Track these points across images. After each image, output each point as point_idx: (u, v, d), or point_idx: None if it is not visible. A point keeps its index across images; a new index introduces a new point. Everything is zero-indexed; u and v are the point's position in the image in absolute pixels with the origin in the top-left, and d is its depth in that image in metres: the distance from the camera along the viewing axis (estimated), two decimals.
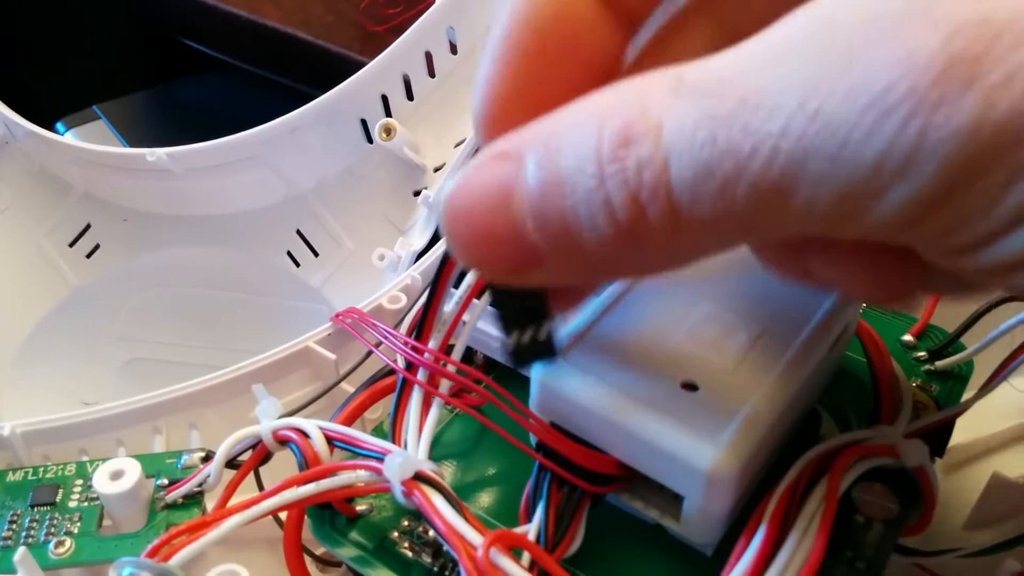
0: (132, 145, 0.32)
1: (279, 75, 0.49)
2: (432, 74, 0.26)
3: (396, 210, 0.26)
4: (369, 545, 0.17)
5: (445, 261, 0.17)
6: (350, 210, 0.27)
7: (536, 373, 0.16)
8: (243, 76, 0.52)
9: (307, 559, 0.17)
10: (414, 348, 0.18)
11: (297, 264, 0.28)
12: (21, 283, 0.30)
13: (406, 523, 0.17)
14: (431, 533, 0.16)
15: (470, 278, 0.18)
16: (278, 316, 0.28)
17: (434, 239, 0.24)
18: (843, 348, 0.18)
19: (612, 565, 0.16)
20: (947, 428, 0.18)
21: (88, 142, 0.29)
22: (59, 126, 0.44)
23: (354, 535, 0.17)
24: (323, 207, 0.27)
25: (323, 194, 0.27)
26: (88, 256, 0.30)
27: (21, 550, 0.15)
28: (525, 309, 0.15)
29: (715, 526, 0.15)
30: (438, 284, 0.18)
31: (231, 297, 0.29)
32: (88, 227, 0.30)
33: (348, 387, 0.19)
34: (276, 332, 0.24)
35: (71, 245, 0.30)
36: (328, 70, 0.45)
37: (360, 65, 0.40)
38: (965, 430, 0.19)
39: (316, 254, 0.28)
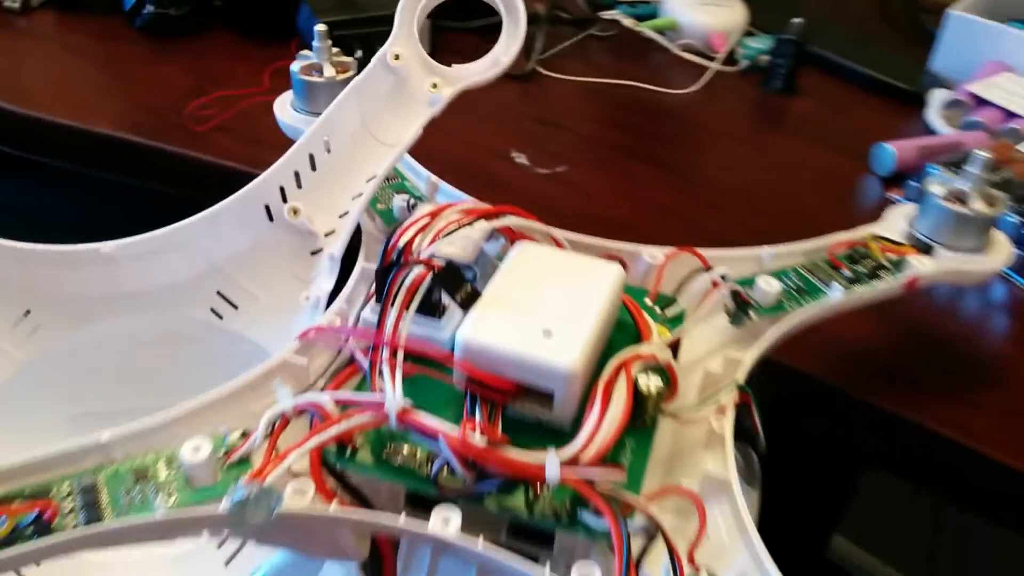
0: None
1: (111, 175, 0.56)
2: (314, 168, 0.37)
3: (298, 268, 0.37)
4: (371, 462, 0.27)
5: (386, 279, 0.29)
6: (261, 272, 0.37)
7: (460, 333, 0.28)
8: (64, 176, 0.59)
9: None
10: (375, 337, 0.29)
11: (220, 317, 0.37)
12: None
13: (390, 447, 0.28)
14: (403, 452, 0.28)
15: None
16: (210, 359, 0.37)
17: (338, 283, 0.35)
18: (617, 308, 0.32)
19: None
20: (678, 344, 0.32)
21: None
22: None
23: (360, 458, 0.28)
24: (238, 272, 0.37)
25: (237, 262, 0.37)
26: (29, 335, 0.37)
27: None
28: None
29: (572, 408, 0.28)
30: (386, 297, 0.29)
31: (166, 352, 0.38)
32: (28, 312, 0.37)
33: (322, 380, 0.30)
34: (211, 370, 0.33)
35: (15, 326, 0.37)
36: (163, 165, 0.54)
37: (193, 160, 0.51)
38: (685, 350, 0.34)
39: (236, 307, 0.37)
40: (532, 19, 0.62)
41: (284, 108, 0.44)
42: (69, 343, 0.38)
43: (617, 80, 0.66)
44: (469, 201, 0.33)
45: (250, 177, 0.38)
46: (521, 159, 0.55)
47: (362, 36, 0.55)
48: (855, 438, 0.43)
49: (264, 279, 0.37)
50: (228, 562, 0.37)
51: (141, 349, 0.38)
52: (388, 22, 0.65)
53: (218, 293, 0.38)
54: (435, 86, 0.37)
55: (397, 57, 0.37)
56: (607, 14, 0.73)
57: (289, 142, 0.41)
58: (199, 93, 0.59)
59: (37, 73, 0.62)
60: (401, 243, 0.31)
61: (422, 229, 0.32)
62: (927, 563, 0.84)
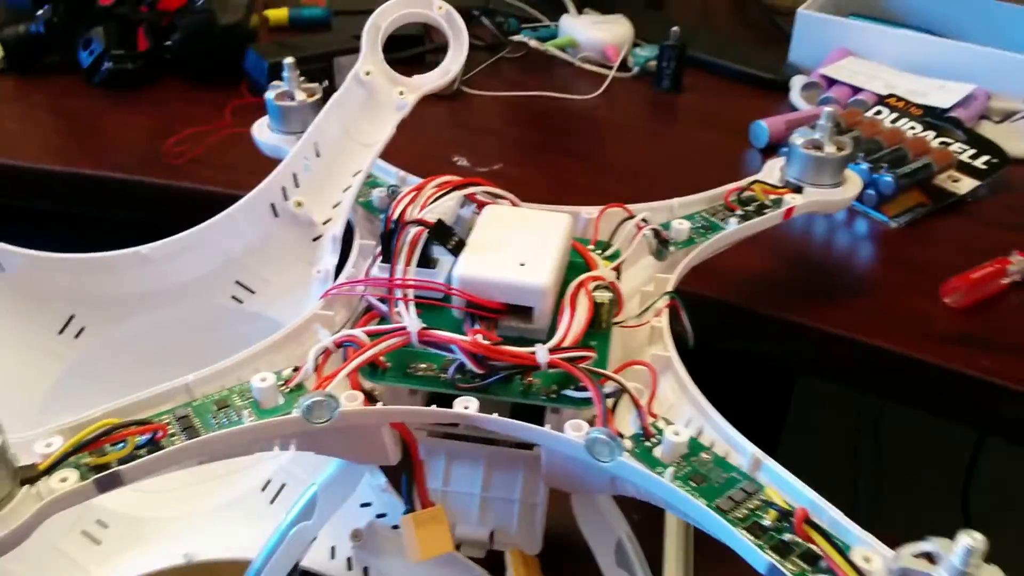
0: None
1: (101, 211, 0.62)
2: (306, 163, 0.44)
3: (302, 252, 0.44)
4: (400, 376, 0.35)
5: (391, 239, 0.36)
6: (271, 259, 0.44)
7: (456, 269, 0.35)
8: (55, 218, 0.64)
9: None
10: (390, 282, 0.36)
11: (241, 301, 0.44)
12: (27, 368, 0.42)
13: (412, 364, 0.35)
14: (422, 367, 0.35)
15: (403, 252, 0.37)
16: (236, 338, 0.43)
17: (341, 260, 0.42)
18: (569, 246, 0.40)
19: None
20: (619, 273, 0.41)
21: None
22: None
23: (390, 374, 0.35)
24: (252, 262, 0.44)
25: (251, 254, 0.44)
26: (76, 337, 0.43)
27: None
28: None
29: (547, 318, 0.36)
30: (392, 256, 0.37)
31: (197, 337, 0.44)
32: (73, 316, 0.43)
33: (347, 326, 0.37)
34: (238, 347, 0.40)
35: (60, 332, 0.43)
36: (149, 197, 0.60)
37: (177, 189, 0.57)
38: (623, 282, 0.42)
39: (253, 292, 0.44)
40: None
41: (262, 131, 0.51)
42: (112, 339, 0.44)
43: (531, 92, 0.75)
44: (444, 176, 0.41)
45: (230, 198, 0.45)
46: (462, 161, 0.63)
47: (302, 72, 0.62)
48: (766, 349, 0.52)
49: (274, 265, 0.44)
50: (273, 500, 0.43)
51: (175, 337, 0.44)
52: (321, 60, 0.73)
53: (236, 282, 0.44)
54: (401, 93, 0.45)
55: (368, 73, 0.45)
56: (516, 38, 0.82)
57: (262, 163, 0.48)
58: (168, 133, 0.65)
59: (15, 130, 0.67)
60: (397, 213, 0.39)
61: (412, 201, 0.39)
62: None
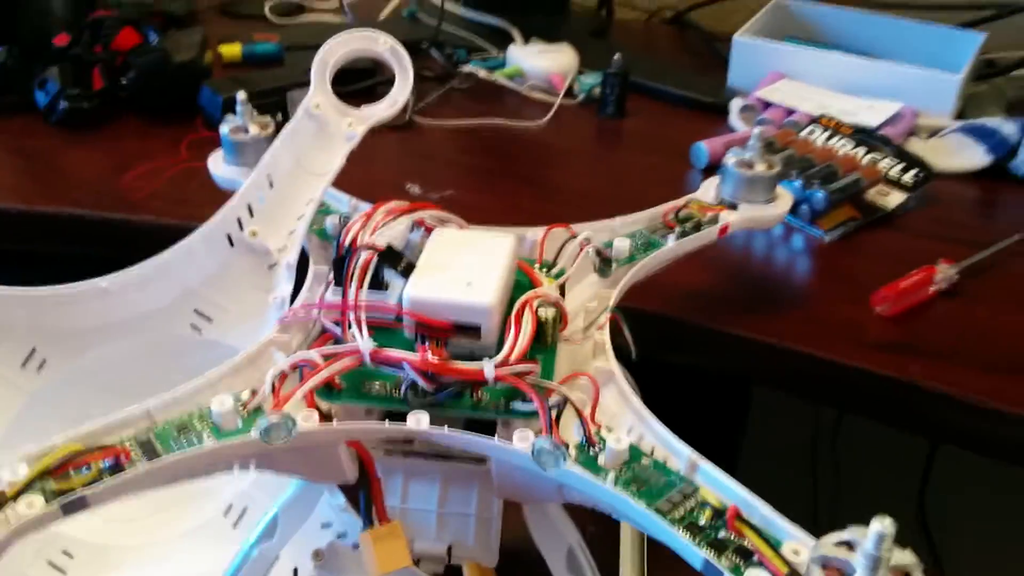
0: None
1: (60, 248, 0.63)
2: (260, 193, 0.45)
3: (258, 280, 0.45)
4: (354, 396, 0.36)
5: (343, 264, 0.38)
6: (228, 288, 0.45)
7: (407, 291, 0.37)
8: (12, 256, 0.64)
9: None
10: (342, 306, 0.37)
11: (199, 330, 0.45)
12: None
13: (365, 384, 0.36)
14: (375, 386, 0.36)
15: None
16: (195, 367, 0.43)
17: (296, 287, 0.43)
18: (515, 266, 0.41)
19: None
20: (563, 292, 0.42)
21: None
22: None
23: (344, 394, 0.36)
24: (209, 291, 0.45)
25: (208, 283, 0.45)
26: (38, 370, 0.44)
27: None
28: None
29: (493, 336, 0.37)
30: (345, 276, 0.38)
31: (157, 366, 0.44)
32: (34, 349, 0.44)
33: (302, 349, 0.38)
34: (197, 375, 0.41)
35: (22, 366, 0.44)
36: (107, 232, 0.61)
37: (134, 223, 0.58)
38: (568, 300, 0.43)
39: (211, 320, 0.45)
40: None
41: (217, 164, 0.52)
42: (73, 371, 0.45)
43: (481, 120, 0.76)
44: (393, 203, 0.42)
45: (188, 231, 0.46)
46: (415, 189, 0.65)
47: (256, 106, 0.63)
48: (708, 360, 0.54)
49: (232, 293, 0.45)
50: (235, 524, 0.44)
51: (136, 367, 0.45)
52: (274, 94, 0.75)
53: (195, 311, 0.45)
54: (350, 124, 0.47)
55: (318, 106, 0.47)
56: (464, 68, 0.84)
57: (218, 195, 0.50)
58: (126, 169, 0.66)
59: None
60: (348, 239, 0.40)
61: (362, 227, 0.41)
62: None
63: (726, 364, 0.55)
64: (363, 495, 0.37)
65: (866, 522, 0.26)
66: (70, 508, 0.30)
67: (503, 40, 0.91)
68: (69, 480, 0.31)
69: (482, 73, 0.83)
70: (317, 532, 0.42)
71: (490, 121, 0.77)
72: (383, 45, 0.48)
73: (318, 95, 0.47)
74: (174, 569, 0.42)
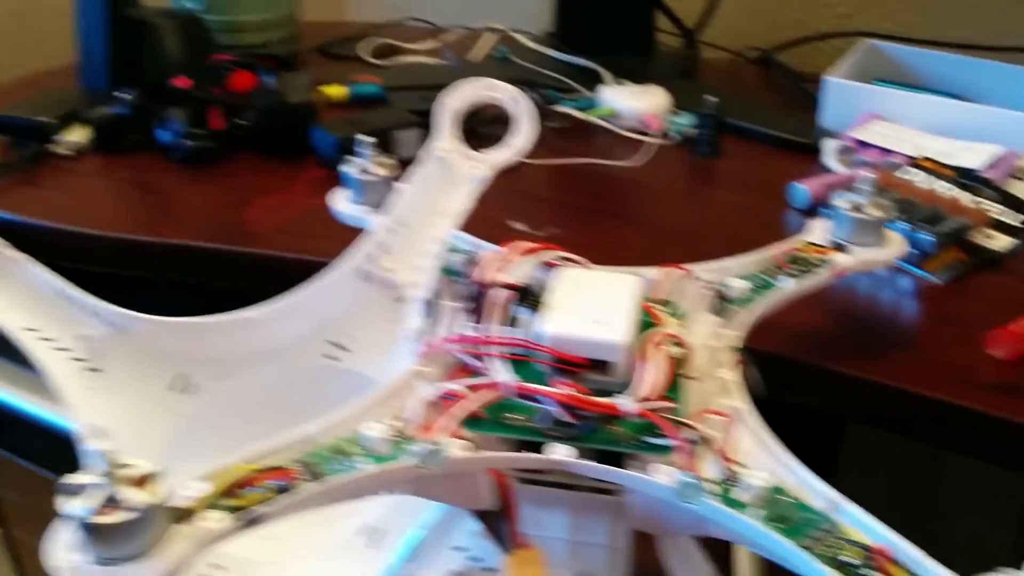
0: None
1: (193, 279, 0.66)
2: (392, 232, 0.48)
3: (388, 313, 0.47)
4: (496, 427, 0.38)
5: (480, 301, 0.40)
6: (360, 320, 0.48)
7: (544, 328, 0.39)
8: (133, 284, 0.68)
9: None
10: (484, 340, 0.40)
11: (334, 359, 0.48)
12: (147, 424, 0.46)
13: (505, 415, 0.38)
14: (516, 417, 0.38)
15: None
16: (331, 393, 0.46)
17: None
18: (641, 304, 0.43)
19: None
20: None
21: None
22: None
23: (487, 425, 0.38)
24: (344, 322, 0.48)
25: (343, 315, 0.47)
26: (189, 394, 0.47)
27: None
28: None
29: (625, 371, 0.39)
30: (482, 316, 0.40)
31: (295, 393, 0.47)
32: (183, 374, 0.47)
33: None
34: (333, 401, 0.43)
35: (175, 390, 0.47)
36: (236, 265, 0.64)
37: (260, 256, 0.61)
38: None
39: (345, 350, 0.48)
40: (501, 119, 0.75)
41: (340, 202, 0.55)
42: (220, 396, 0.47)
43: (577, 159, 0.79)
44: (524, 243, 0.44)
45: (309, 263, 0.49)
46: (519, 226, 0.67)
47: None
48: (818, 400, 0.55)
49: (364, 325, 0.48)
50: (370, 544, 0.46)
51: (276, 393, 0.47)
52: (381, 134, 0.78)
53: (330, 342, 0.48)
54: (475, 168, 0.49)
55: (445, 150, 0.49)
56: (558, 108, 0.87)
57: (336, 231, 0.53)
58: (244, 204, 0.69)
59: (107, 204, 0.72)
60: (484, 276, 0.42)
61: (495, 265, 0.43)
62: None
63: (834, 403, 0.56)
64: (502, 521, 0.39)
65: (968, 562, 0.27)
66: (248, 524, 0.33)
67: (592, 80, 0.93)
68: (242, 498, 0.34)
69: (576, 114, 0.86)
70: (451, 555, 0.44)
71: (586, 160, 0.79)
72: (505, 93, 0.50)
73: (445, 139, 0.50)
74: None
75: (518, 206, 0.72)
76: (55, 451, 0.70)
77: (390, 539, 0.45)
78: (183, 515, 0.32)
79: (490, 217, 0.71)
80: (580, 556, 0.41)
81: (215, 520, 0.32)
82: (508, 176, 0.82)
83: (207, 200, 0.72)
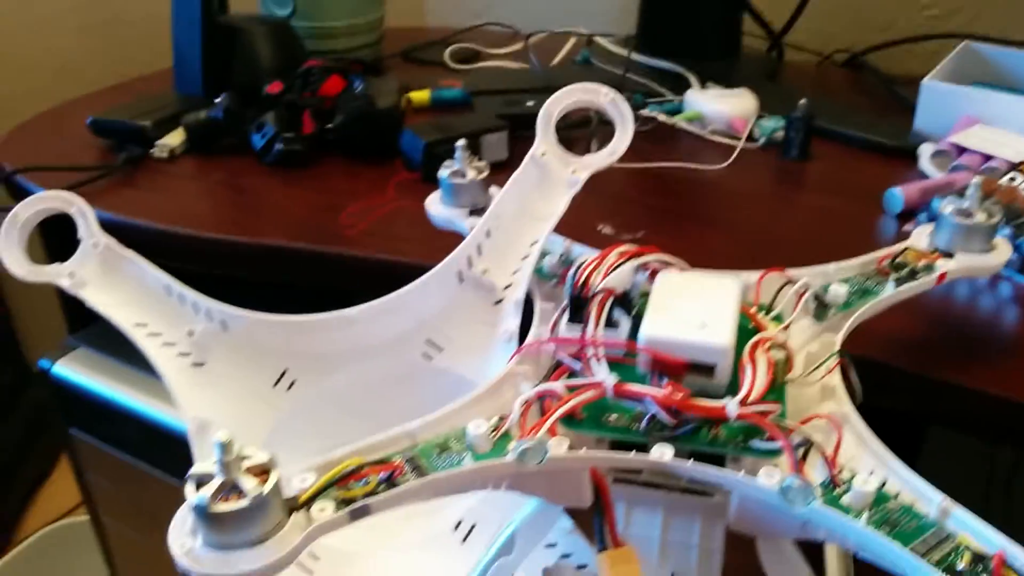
0: None
1: (284, 278, 0.68)
2: (488, 235, 0.49)
3: (484, 315, 0.48)
4: (594, 424, 0.38)
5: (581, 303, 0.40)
6: (456, 320, 0.48)
7: (644, 330, 0.39)
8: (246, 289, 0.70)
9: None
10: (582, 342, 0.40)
11: (430, 358, 0.49)
12: (248, 417, 0.47)
13: (603, 415, 0.39)
14: (613, 417, 0.38)
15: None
16: (427, 391, 0.47)
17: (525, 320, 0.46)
18: (740, 308, 0.43)
19: None
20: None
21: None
22: (42, 362, 0.64)
23: (585, 424, 0.38)
24: (440, 322, 0.48)
25: (439, 315, 0.48)
26: (288, 389, 0.48)
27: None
28: None
29: (727, 375, 0.39)
30: (585, 315, 0.40)
31: (392, 390, 0.48)
32: (285, 371, 0.48)
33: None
34: (429, 398, 0.44)
35: (275, 385, 0.48)
36: (330, 265, 0.66)
37: (351, 258, 0.62)
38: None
39: (441, 349, 0.49)
40: (587, 122, 0.75)
41: (435, 205, 0.56)
42: (318, 391, 0.49)
43: (664, 163, 0.79)
44: (624, 247, 0.45)
45: (398, 265, 0.50)
46: (607, 229, 0.67)
47: (449, 150, 0.67)
48: (921, 406, 0.54)
49: (460, 326, 0.49)
50: (464, 539, 0.46)
51: (373, 389, 0.49)
52: (471, 136, 0.79)
53: (427, 341, 0.49)
54: (573, 171, 0.50)
55: (544, 154, 0.50)
56: (643, 112, 0.86)
57: (426, 233, 0.54)
58: (334, 207, 0.71)
59: (203, 205, 0.74)
60: (583, 278, 0.43)
61: (595, 269, 0.43)
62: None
63: (929, 409, 0.54)
64: (598, 519, 0.39)
65: None
66: (356, 515, 0.34)
67: (677, 84, 0.93)
68: (350, 490, 0.35)
69: (662, 117, 0.86)
70: (543, 552, 0.45)
71: (672, 164, 0.79)
72: (605, 97, 0.50)
73: (544, 144, 0.50)
74: (409, 574, 0.46)
75: (606, 209, 0.72)
76: (145, 441, 0.73)
77: (484, 535, 0.45)
78: (296, 505, 0.34)
79: (578, 220, 0.71)
80: (671, 556, 0.41)
81: (326, 510, 0.33)
82: (596, 180, 0.82)
83: (298, 202, 0.74)
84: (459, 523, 0.46)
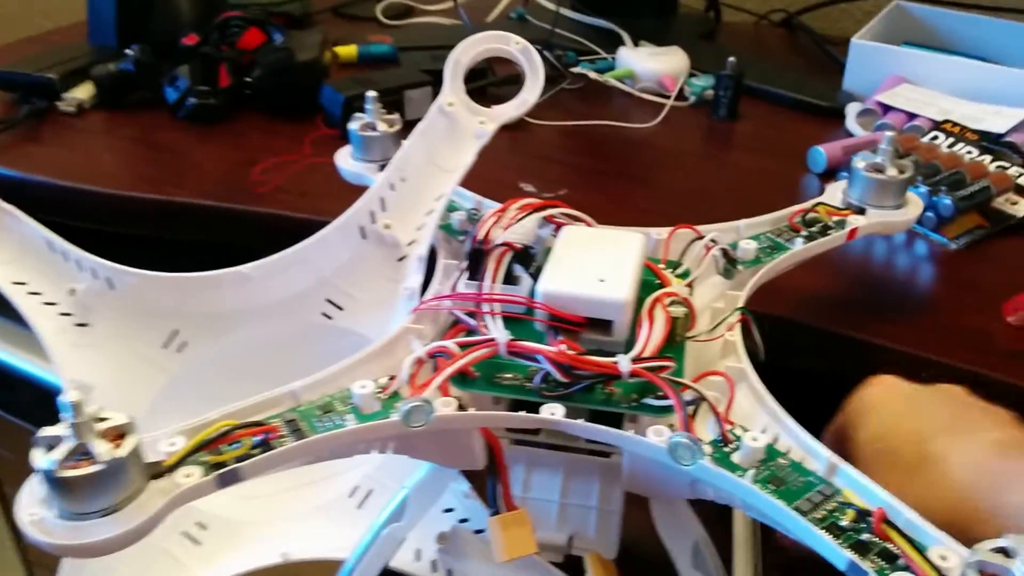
0: None
1: (193, 236, 0.65)
2: (392, 188, 0.47)
3: (388, 272, 0.46)
4: (487, 383, 0.37)
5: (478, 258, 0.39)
6: (359, 278, 0.46)
7: (540, 284, 0.37)
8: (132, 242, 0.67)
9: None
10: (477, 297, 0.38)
11: (330, 318, 0.47)
12: (133, 380, 0.45)
13: (498, 374, 0.37)
14: (508, 376, 0.37)
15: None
16: (326, 352, 0.45)
17: (427, 277, 0.44)
18: (643, 264, 0.42)
19: None
20: (690, 291, 0.42)
21: None
22: None
23: (478, 383, 0.37)
24: (341, 281, 0.46)
25: (340, 273, 0.46)
26: (179, 351, 0.46)
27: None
28: None
29: (625, 331, 0.38)
30: (480, 273, 0.39)
31: (289, 351, 0.46)
32: (177, 331, 0.46)
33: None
34: (328, 360, 0.42)
35: (164, 346, 0.46)
36: (239, 223, 0.63)
37: (263, 215, 0.60)
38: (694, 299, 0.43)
39: (341, 309, 0.47)
40: (515, 79, 0.73)
41: (344, 159, 0.54)
42: (211, 353, 0.47)
43: (592, 121, 0.77)
44: (525, 199, 0.43)
45: (312, 223, 0.47)
46: (529, 187, 0.65)
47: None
48: (834, 365, 0.53)
49: (362, 283, 0.47)
50: (360, 505, 0.45)
51: (269, 351, 0.47)
52: (392, 93, 0.76)
53: (327, 300, 0.47)
54: (481, 123, 0.48)
55: (451, 104, 0.48)
56: (575, 70, 0.84)
57: (340, 190, 0.51)
58: (250, 163, 0.68)
59: (107, 161, 0.71)
60: (483, 233, 0.41)
61: (496, 222, 0.42)
62: None
63: (846, 368, 0.54)
64: (491, 482, 0.38)
65: None
66: (224, 480, 0.32)
67: (612, 42, 0.91)
68: (222, 454, 0.33)
69: (593, 75, 0.84)
70: (440, 516, 0.43)
71: (601, 122, 0.77)
72: (515, 46, 0.48)
73: (451, 93, 0.48)
74: (302, 544, 0.44)
75: (531, 168, 0.70)
76: (44, 407, 0.70)
77: (380, 500, 0.44)
78: (160, 470, 0.32)
79: (502, 179, 0.70)
80: (570, 518, 0.40)
81: (189, 475, 0.31)
82: (521, 137, 0.81)
83: (211, 158, 0.71)
84: (355, 489, 0.45)
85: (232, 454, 0.33)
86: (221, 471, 0.32)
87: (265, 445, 0.34)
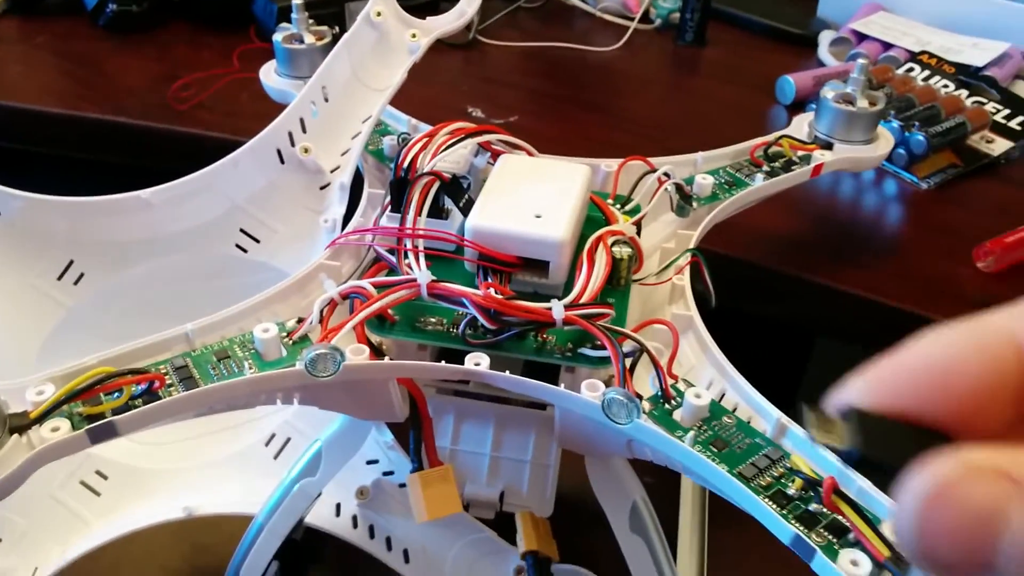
0: None
1: (102, 157, 0.60)
2: (315, 114, 0.42)
3: (309, 201, 0.42)
4: (408, 330, 0.33)
5: (401, 188, 0.35)
6: (277, 207, 0.42)
7: (470, 220, 0.34)
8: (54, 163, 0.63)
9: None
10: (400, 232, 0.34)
11: (245, 251, 0.43)
12: (25, 315, 0.41)
13: (421, 319, 0.34)
14: (432, 321, 0.33)
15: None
16: (240, 288, 0.41)
17: (350, 210, 0.40)
18: (587, 199, 0.38)
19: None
20: (639, 229, 0.39)
21: None
22: None
23: (398, 328, 0.33)
24: (257, 210, 0.42)
25: (256, 201, 0.42)
26: (75, 283, 0.42)
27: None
28: None
29: (563, 273, 0.34)
30: (405, 202, 0.35)
31: (199, 286, 0.42)
32: (72, 262, 0.42)
33: (354, 278, 0.35)
34: (242, 297, 0.38)
35: (59, 278, 0.42)
36: (152, 143, 0.59)
37: (181, 134, 0.55)
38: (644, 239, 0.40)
39: (258, 241, 0.42)
40: None
41: (269, 75, 0.49)
42: (112, 286, 0.42)
43: (550, 43, 0.72)
44: (457, 123, 0.39)
45: (236, 145, 0.43)
46: (477, 112, 0.61)
47: (312, 17, 0.60)
48: (789, 310, 0.51)
49: (280, 213, 0.42)
50: (276, 455, 0.42)
51: (177, 286, 0.43)
52: (332, 5, 0.71)
53: (241, 230, 0.43)
54: (414, 36, 0.43)
55: (379, 14, 0.43)
56: None
57: (270, 109, 0.46)
58: (174, 77, 0.63)
59: (16, 72, 0.65)
60: (408, 160, 0.37)
61: (423, 148, 0.37)
62: None
63: (806, 315, 0.51)
64: (413, 435, 0.35)
65: None
66: (98, 435, 0.28)
67: None
68: (99, 405, 0.29)
69: None
70: (362, 469, 0.40)
71: (559, 44, 0.72)
72: None
73: (380, 3, 0.43)
74: (210, 497, 0.41)
75: (479, 91, 0.66)
76: None
77: (298, 450, 0.41)
78: (24, 423, 0.28)
79: (446, 101, 0.65)
80: (502, 473, 0.37)
81: (56, 429, 0.28)
82: (473, 58, 0.76)
83: (131, 71, 0.66)
84: (272, 437, 0.41)
85: (109, 405, 0.29)
86: (92, 425, 0.28)
87: (149, 395, 0.30)
